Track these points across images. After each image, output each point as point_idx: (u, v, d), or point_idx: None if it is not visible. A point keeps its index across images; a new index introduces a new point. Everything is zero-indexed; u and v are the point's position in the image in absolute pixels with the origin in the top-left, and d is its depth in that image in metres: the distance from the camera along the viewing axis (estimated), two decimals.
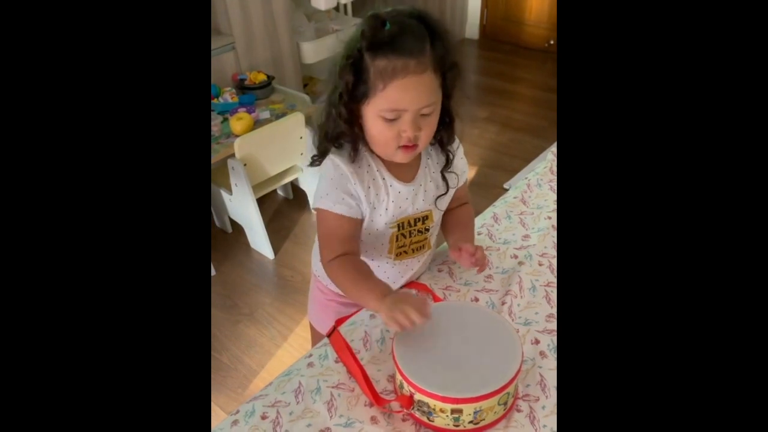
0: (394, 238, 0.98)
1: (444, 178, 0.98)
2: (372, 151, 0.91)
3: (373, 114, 0.84)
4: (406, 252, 1.01)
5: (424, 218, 0.99)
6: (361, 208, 0.92)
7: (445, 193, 0.98)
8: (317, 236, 0.97)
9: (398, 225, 0.96)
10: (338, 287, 0.97)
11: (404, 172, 0.94)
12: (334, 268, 0.92)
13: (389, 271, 1.02)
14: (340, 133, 0.88)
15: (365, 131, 0.88)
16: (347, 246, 0.93)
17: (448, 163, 0.97)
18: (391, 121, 0.83)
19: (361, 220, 0.94)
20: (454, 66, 0.85)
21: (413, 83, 0.80)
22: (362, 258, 0.96)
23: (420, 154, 0.95)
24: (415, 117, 0.83)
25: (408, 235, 0.99)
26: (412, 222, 0.98)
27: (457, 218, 1.06)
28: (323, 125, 0.90)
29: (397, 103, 0.81)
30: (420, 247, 1.02)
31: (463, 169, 1.02)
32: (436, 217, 1.01)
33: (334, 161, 0.90)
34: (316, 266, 1.08)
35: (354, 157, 0.90)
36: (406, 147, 0.86)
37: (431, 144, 0.95)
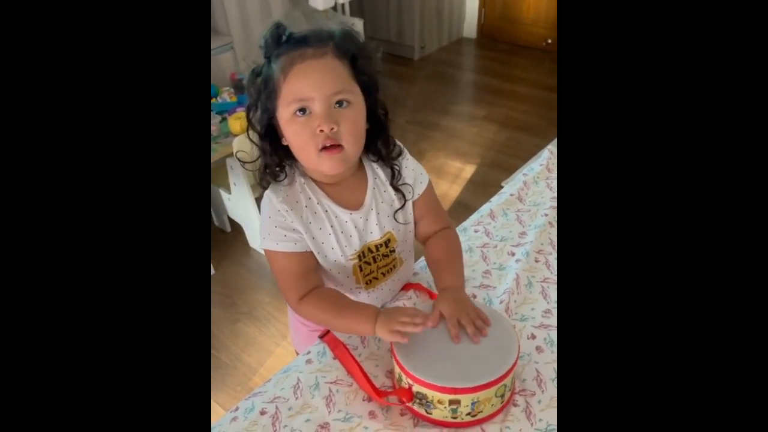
0: (357, 268, 0.92)
1: (398, 190, 0.91)
2: (311, 180, 0.86)
3: (286, 117, 0.78)
4: (376, 278, 0.95)
5: (387, 242, 0.93)
6: (307, 243, 0.86)
7: (402, 206, 0.92)
8: (275, 278, 0.91)
9: (358, 256, 0.91)
10: (319, 324, 0.92)
11: (350, 198, 0.88)
12: (307, 308, 0.86)
13: (367, 301, 0.96)
14: (268, 162, 0.85)
15: (290, 147, 0.83)
16: (309, 280, 0.87)
17: (395, 175, 0.90)
18: (304, 116, 0.77)
19: (311, 252, 0.88)
20: (362, 54, 0.81)
21: (313, 66, 0.76)
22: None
23: (366, 176, 0.90)
24: (328, 108, 0.77)
25: (372, 261, 0.93)
26: (374, 248, 0.92)
27: (436, 254, 0.96)
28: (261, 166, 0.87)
29: (300, 91, 0.76)
30: (390, 269, 0.96)
31: (418, 178, 0.94)
32: (400, 236, 0.94)
33: (269, 197, 0.86)
34: None
35: (287, 180, 0.85)
36: (328, 149, 0.78)
37: (373, 161, 0.90)
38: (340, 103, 0.78)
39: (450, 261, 0.94)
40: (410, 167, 0.93)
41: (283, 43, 0.78)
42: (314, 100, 0.76)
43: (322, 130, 0.77)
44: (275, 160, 0.85)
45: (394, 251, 0.95)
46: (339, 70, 0.78)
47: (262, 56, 0.80)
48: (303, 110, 0.77)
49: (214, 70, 2.40)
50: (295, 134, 0.79)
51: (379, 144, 0.88)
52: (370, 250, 0.92)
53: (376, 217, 0.90)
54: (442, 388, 0.74)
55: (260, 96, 0.81)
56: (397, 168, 0.91)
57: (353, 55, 0.79)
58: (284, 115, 0.79)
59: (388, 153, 0.89)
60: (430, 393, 0.75)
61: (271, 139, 0.84)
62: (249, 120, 0.84)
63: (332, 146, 0.79)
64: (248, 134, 0.86)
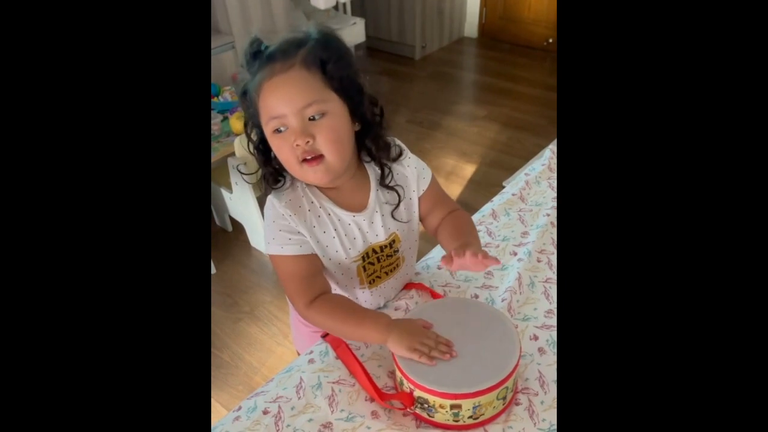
0: (361, 269, 0.92)
1: (392, 189, 0.90)
2: (313, 186, 0.87)
3: (268, 133, 0.80)
4: (379, 277, 0.96)
5: (391, 243, 0.93)
6: (311, 245, 0.87)
7: (397, 205, 0.91)
8: (282, 283, 0.91)
9: (362, 257, 0.91)
10: (327, 331, 0.92)
11: (352, 201, 0.88)
12: (315, 314, 0.85)
13: (369, 300, 0.97)
14: (264, 173, 0.86)
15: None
16: (316, 284, 0.86)
17: (384, 174, 0.89)
18: (282, 133, 0.78)
19: (316, 254, 0.88)
20: (334, 59, 0.78)
21: (279, 82, 0.76)
22: (335, 291, 0.92)
23: (368, 178, 0.90)
24: (302, 123, 0.77)
25: (376, 261, 0.93)
26: (378, 249, 0.92)
27: (452, 226, 0.95)
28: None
29: (273, 109, 0.77)
30: (393, 268, 0.96)
31: (421, 174, 0.94)
32: (404, 236, 0.95)
33: (272, 202, 0.86)
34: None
35: (288, 185, 0.86)
36: (308, 161, 0.79)
37: (366, 161, 0.90)
38: (313, 116, 0.77)
39: (464, 228, 0.93)
40: (412, 165, 0.93)
41: (256, 61, 0.79)
42: (287, 116, 0.77)
43: (298, 145, 0.77)
44: (270, 171, 0.86)
45: (397, 251, 0.95)
46: (308, 82, 0.76)
47: (246, 72, 0.81)
48: (280, 129, 0.78)
49: (216, 69, 2.40)
50: (277, 149, 0.81)
51: (368, 143, 0.87)
52: (374, 251, 0.92)
53: (381, 218, 0.90)
54: (443, 393, 0.74)
55: (249, 111, 0.82)
56: (388, 168, 0.90)
57: (322, 61, 0.77)
58: (267, 131, 0.80)
59: (378, 152, 0.88)
60: (431, 398, 0.75)
61: (265, 150, 0.85)
62: (247, 133, 0.86)
63: (312, 158, 0.79)
64: (248, 146, 0.87)
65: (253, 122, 0.83)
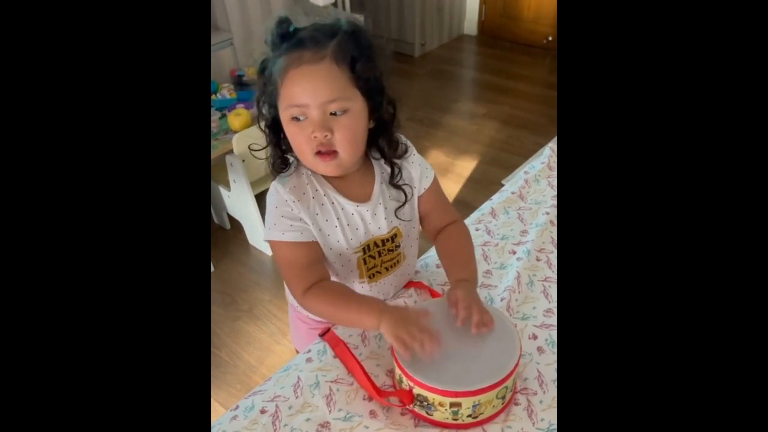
0: (362, 261, 0.92)
1: (399, 188, 0.91)
2: (318, 174, 0.86)
3: (285, 118, 0.79)
4: (379, 272, 0.95)
5: (393, 237, 0.93)
6: (313, 233, 0.86)
7: (403, 205, 0.91)
8: (280, 270, 0.90)
9: (363, 249, 0.91)
10: (322, 318, 0.92)
11: (357, 191, 0.88)
12: (311, 300, 0.85)
13: (368, 295, 0.95)
14: (272, 154, 0.86)
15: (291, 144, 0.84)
16: (314, 272, 0.86)
17: (393, 174, 0.90)
18: (300, 121, 0.77)
19: (317, 242, 0.87)
20: (363, 57, 0.77)
21: (308, 73, 0.75)
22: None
23: (373, 170, 0.90)
24: (323, 116, 0.76)
25: (377, 255, 0.93)
26: (379, 243, 0.92)
27: (448, 248, 0.96)
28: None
29: (295, 98, 0.76)
30: (394, 263, 0.96)
31: (424, 173, 0.94)
32: (406, 231, 0.95)
33: (276, 188, 0.86)
34: (291, 297, 0.98)
35: (293, 171, 0.86)
36: (322, 155, 0.79)
37: (375, 158, 0.90)
38: (335, 112, 0.77)
39: (462, 255, 0.94)
40: (416, 163, 0.94)
41: (284, 43, 0.77)
42: (309, 107, 0.76)
43: (316, 137, 0.77)
44: (278, 153, 0.86)
45: (399, 246, 0.95)
46: (335, 77, 0.76)
47: (269, 50, 0.80)
48: (299, 118, 0.78)
49: (214, 66, 2.40)
50: (292, 136, 0.80)
51: (381, 142, 0.88)
52: (376, 244, 0.92)
53: (384, 211, 0.90)
54: (443, 391, 0.74)
55: (265, 90, 0.81)
56: (398, 167, 0.90)
57: (353, 58, 0.77)
58: (284, 116, 0.79)
59: (390, 151, 0.88)
60: (430, 396, 0.75)
61: (276, 131, 0.85)
62: (259, 108, 0.85)
63: (327, 152, 0.79)
64: (259, 123, 0.86)
65: (267, 100, 0.82)
